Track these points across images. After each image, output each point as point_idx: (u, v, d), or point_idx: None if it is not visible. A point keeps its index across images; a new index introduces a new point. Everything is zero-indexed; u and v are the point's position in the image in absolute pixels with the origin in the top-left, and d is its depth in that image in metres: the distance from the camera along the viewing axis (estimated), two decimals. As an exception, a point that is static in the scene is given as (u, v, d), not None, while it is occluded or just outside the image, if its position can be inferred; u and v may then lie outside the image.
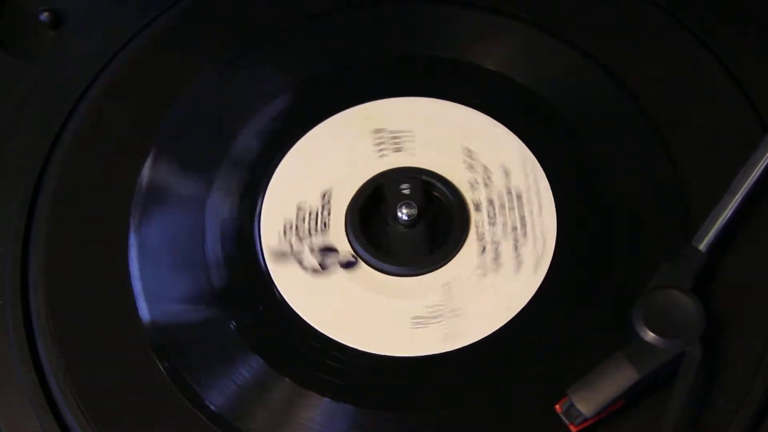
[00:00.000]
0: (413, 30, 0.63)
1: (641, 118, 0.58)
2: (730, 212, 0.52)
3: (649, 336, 0.48)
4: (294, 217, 0.56)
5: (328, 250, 0.55)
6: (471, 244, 0.56)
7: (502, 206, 0.57)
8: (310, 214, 0.56)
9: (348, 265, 0.55)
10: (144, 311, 0.54)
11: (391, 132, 0.59)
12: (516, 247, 0.55)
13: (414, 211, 0.56)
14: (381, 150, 0.58)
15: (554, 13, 0.62)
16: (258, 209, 0.57)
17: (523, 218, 0.56)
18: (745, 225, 0.53)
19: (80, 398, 0.52)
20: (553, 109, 0.59)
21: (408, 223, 0.56)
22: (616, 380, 0.48)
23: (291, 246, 0.55)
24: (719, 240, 0.52)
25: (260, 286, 0.55)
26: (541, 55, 0.61)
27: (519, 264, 0.55)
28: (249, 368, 0.52)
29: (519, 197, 0.57)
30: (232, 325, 0.54)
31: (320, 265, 0.55)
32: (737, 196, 0.52)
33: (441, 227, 0.57)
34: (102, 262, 0.56)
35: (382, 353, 0.53)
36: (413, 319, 0.54)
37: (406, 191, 0.57)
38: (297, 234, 0.56)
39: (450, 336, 0.53)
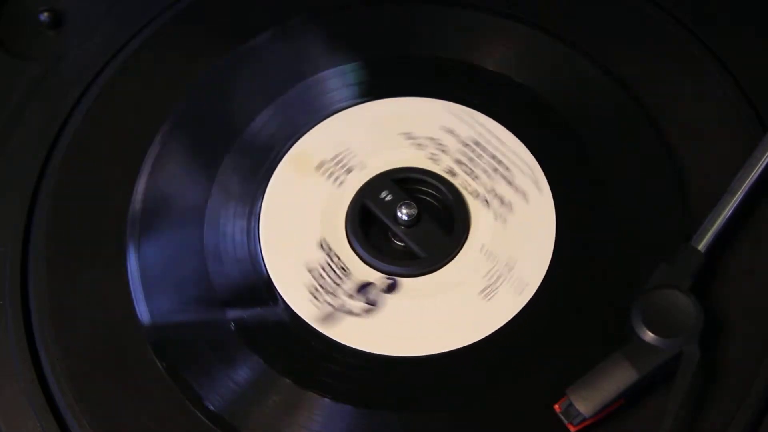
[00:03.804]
0: (413, 30, 0.63)
1: (641, 117, 0.58)
2: (729, 212, 0.52)
3: (648, 336, 0.48)
4: (312, 279, 0.56)
5: (365, 286, 0.55)
6: (473, 205, 0.56)
7: (470, 159, 0.57)
8: (323, 269, 0.56)
9: (390, 288, 0.55)
10: (144, 311, 0.54)
11: (331, 159, 0.59)
12: (509, 182, 0.56)
13: (414, 211, 0.56)
14: (335, 179, 0.58)
15: (554, 13, 0.62)
16: (258, 207, 0.57)
17: (494, 157, 0.57)
18: (744, 225, 0.53)
19: (80, 398, 0.52)
20: (552, 109, 0.59)
21: (410, 222, 0.56)
22: (615, 380, 0.47)
23: (331, 305, 0.55)
24: (718, 240, 0.52)
25: (261, 286, 0.55)
26: (541, 55, 0.61)
27: (524, 193, 0.56)
28: (249, 369, 0.52)
29: (477, 143, 0.58)
30: (231, 326, 0.54)
31: (368, 303, 0.54)
32: (736, 195, 0.52)
33: (436, 209, 0.58)
34: (102, 262, 0.56)
35: (383, 354, 0.53)
36: (481, 293, 0.54)
37: (389, 197, 0.57)
38: (327, 291, 0.55)
39: (520, 287, 0.54)
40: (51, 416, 0.52)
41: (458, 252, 0.56)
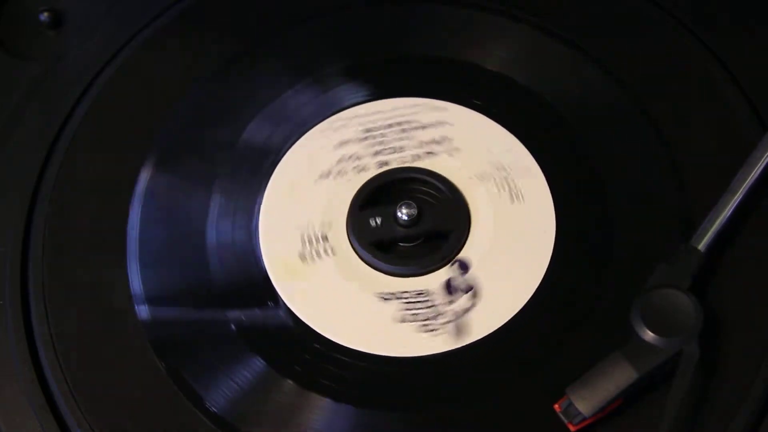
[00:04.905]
0: (413, 30, 0.63)
1: (641, 117, 0.58)
2: (729, 212, 0.52)
3: (648, 335, 0.48)
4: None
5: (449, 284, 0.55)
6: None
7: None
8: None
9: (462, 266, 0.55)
10: (144, 311, 0.54)
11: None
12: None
13: (414, 210, 0.56)
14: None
15: (554, 13, 0.62)
16: (257, 206, 0.58)
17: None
18: (744, 224, 0.53)
19: (80, 398, 0.52)
20: (553, 109, 0.59)
21: (410, 222, 0.56)
22: (615, 379, 0.48)
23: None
24: (718, 239, 0.52)
25: (261, 287, 0.55)
26: (541, 55, 0.61)
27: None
28: (250, 369, 0.52)
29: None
30: (232, 326, 0.54)
31: (466, 291, 0.54)
32: (736, 195, 0.52)
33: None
34: (102, 262, 0.56)
35: (384, 354, 0.53)
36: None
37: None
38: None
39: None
40: (51, 416, 0.52)
41: (457, 252, 0.56)
